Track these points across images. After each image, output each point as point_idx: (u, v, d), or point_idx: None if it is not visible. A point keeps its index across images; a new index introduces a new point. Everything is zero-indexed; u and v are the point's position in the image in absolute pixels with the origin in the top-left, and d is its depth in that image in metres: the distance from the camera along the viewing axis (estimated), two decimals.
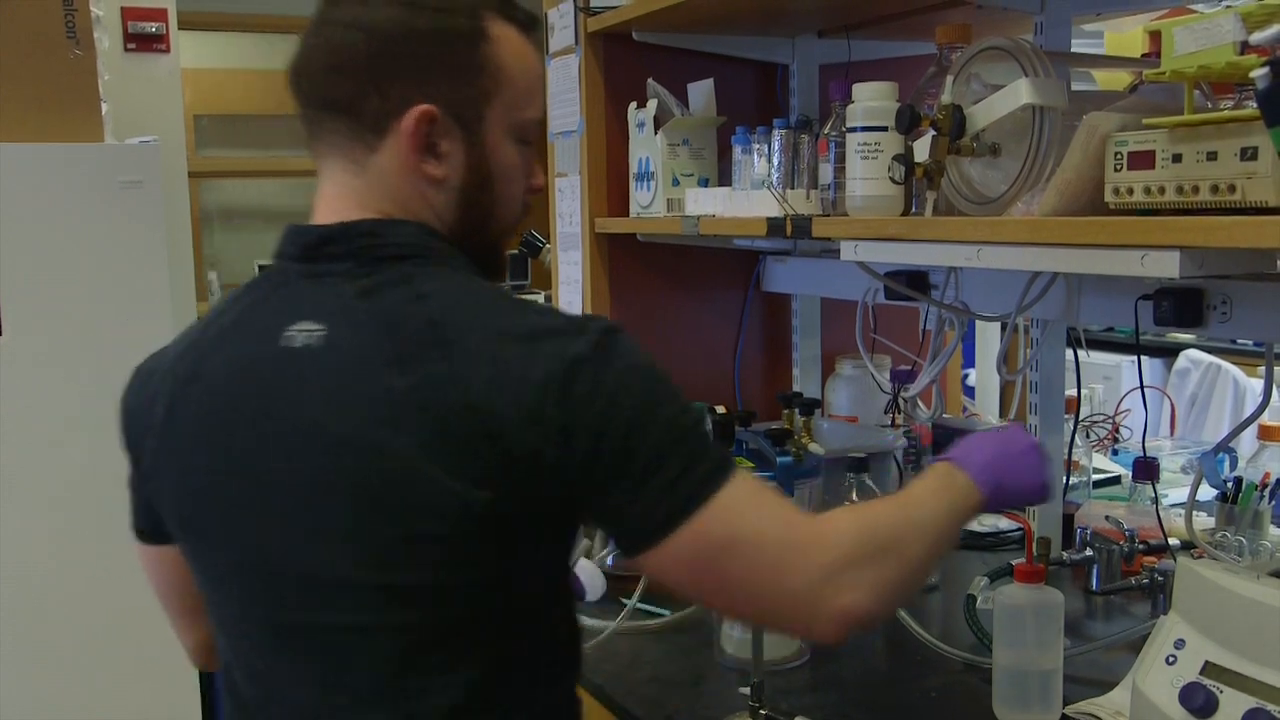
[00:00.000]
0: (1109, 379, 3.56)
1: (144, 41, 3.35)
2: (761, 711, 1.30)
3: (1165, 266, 1.11)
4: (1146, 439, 1.78)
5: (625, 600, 1.72)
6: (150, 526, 1.16)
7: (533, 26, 1.10)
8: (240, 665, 1.08)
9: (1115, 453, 2.32)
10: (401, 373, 0.94)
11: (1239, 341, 4.39)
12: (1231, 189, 1.07)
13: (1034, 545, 1.39)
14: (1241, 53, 1.03)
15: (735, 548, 0.96)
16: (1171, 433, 2.76)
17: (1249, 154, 1.06)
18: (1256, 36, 0.96)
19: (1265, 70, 0.94)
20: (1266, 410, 1.60)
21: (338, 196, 1.06)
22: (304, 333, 0.99)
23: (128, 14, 3.32)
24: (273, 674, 1.05)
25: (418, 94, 1.02)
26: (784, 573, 0.96)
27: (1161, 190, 1.14)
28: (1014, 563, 1.36)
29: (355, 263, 1.02)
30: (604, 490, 0.95)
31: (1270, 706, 1.03)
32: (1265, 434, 1.81)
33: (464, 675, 0.99)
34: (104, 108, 2.60)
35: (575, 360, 0.94)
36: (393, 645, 0.98)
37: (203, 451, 1.04)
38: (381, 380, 0.94)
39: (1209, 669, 1.10)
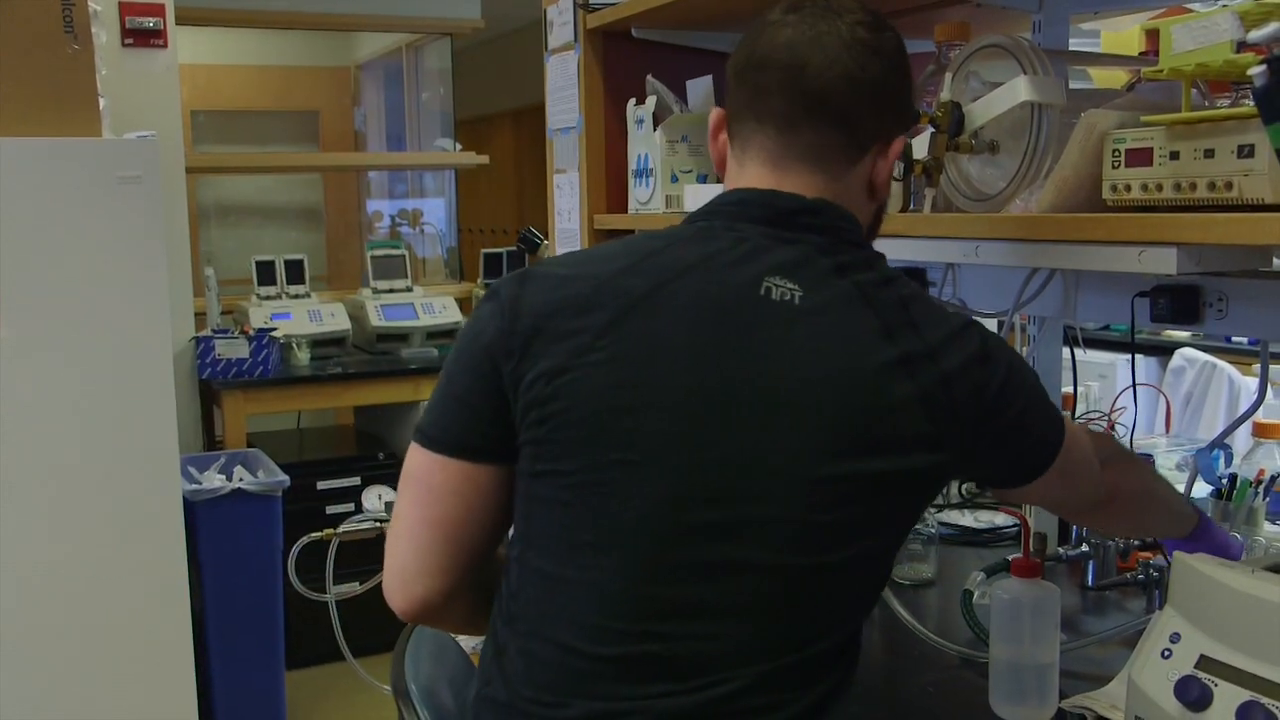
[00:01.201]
0: (1104, 377, 3.57)
1: (141, 37, 3.35)
2: None
3: (1163, 263, 1.12)
4: (1143, 436, 1.78)
5: None
6: (483, 442, 1.12)
7: None
8: (617, 596, 1.07)
9: None
10: (890, 344, 1.06)
11: (1234, 340, 4.41)
12: (1229, 186, 1.08)
13: (1030, 540, 1.39)
14: (1238, 51, 1.04)
15: (1077, 473, 1.22)
16: (1167, 430, 2.77)
17: (1246, 151, 1.07)
18: (1254, 35, 0.97)
19: (1263, 68, 0.95)
20: (1261, 407, 1.61)
21: (804, 186, 1.13)
22: (779, 287, 1.08)
23: (125, 9, 3.33)
24: (674, 605, 1.07)
25: (899, 126, 1.16)
26: (1093, 472, 1.26)
27: (1159, 187, 1.15)
28: (1011, 558, 1.36)
29: (827, 238, 1.11)
30: (1010, 448, 1.15)
31: (1265, 700, 1.04)
32: (1260, 431, 1.81)
33: (852, 614, 1.16)
34: (102, 103, 2.60)
35: (982, 346, 1.10)
36: (820, 583, 1.09)
37: (659, 369, 1.07)
38: (874, 345, 1.06)
39: (1204, 663, 1.10)
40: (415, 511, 1.15)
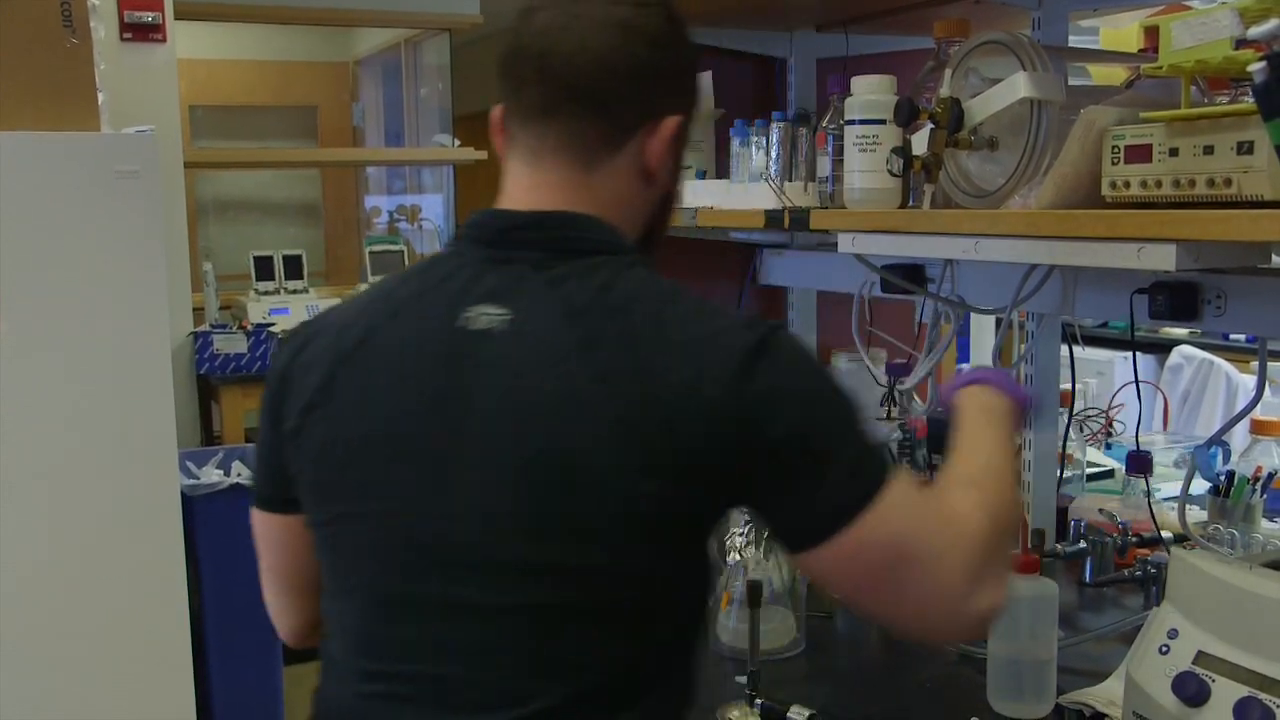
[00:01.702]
0: (1102, 374, 3.57)
1: (140, 31, 3.34)
2: (758, 701, 1.31)
3: (1162, 259, 1.12)
4: (1141, 433, 1.78)
5: None
6: (277, 494, 1.14)
7: None
8: (362, 638, 1.07)
9: (1109, 447, 2.33)
10: (587, 360, 0.96)
11: (1231, 337, 4.41)
12: (1228, 183, 1.08)
13: (1029, 536, 1.40)
14: (1238, 47, 1.04)
15: (898, 549, 0.97)
16: (1165, 428, 2.77)
17: (1245, 148, 1.07)
18: (1253, 31, 0.97)
19: (1262, 64, 0.95)
20: (1259, 405, 1.61)
21: (552, 185, 1.06)
22: (486, 315, 1.00)
23: (124, 3, 3.32)
24: (408, 646, 1.04)
25: (671, 105, 1.07)
26: (940, 575, 0.97)
27: (1158, 184, 1.15)
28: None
29: (546, 252, 1.03)
30: (774, 485, 0.96)
31: (1262, 695, 1.04)
32: (1258, 428, 1.82)
33: (607, 654, 1.00)
34: (100, 97, 2.60)
35: (750, 354, 0.95)
36: (542, 624, 0.99)
37: (364, 420, 1.05)
38: (568, 366, 0.96)
39: (1201, 658, 1.11)
40: (260, 560, 1.22)
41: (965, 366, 2.90)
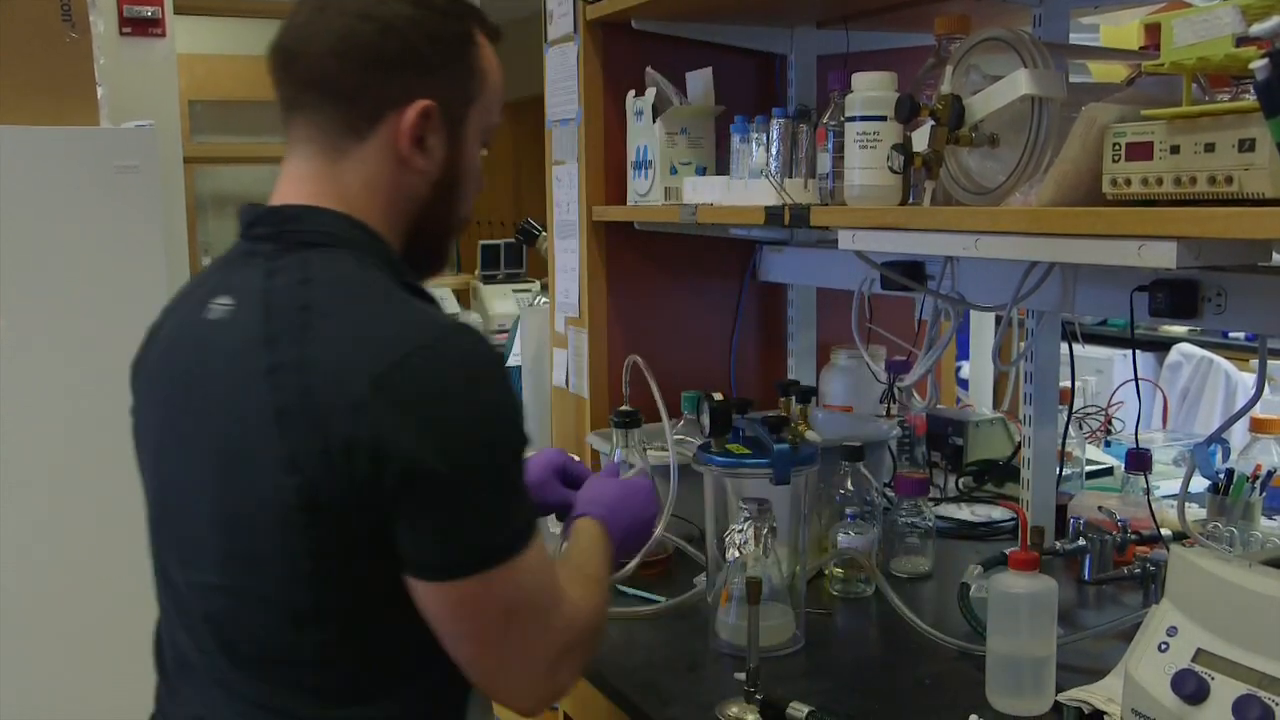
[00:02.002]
0: (1100, 372, 3.58)
1: (139, 26, 3.34)
2: (757, 697, 1.31)
3: (1162, 257, 1.12)
4: (1141, 431, 1.78)
5: (620, 587, 1.73)
6: None
7: (499, 38, 1.16)
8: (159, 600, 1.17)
9: (1108, 444, 2.33)
10: (268, 352, 0.99)
11: (1231, 335, 4.41)
12: (1229, 180, 1.08)
13: (1028, 534, 1.40)
14: (1239, 45, 1.04)
15: (514, 609, 1.01)
16: (1164, 425, 2.77)
17: (1246, 145, 1.06)
18: (1255, 28, 0.97)
19: (1265, 61, 0.95)
20: (1259, 403, 1.61)
21: (300, 179, 1.10)
22: (220, 306, 1.05)
23: None
24: (166, 616, 1.15)
25: (420, 89, 1.07)
26: (537, 645, 1.04)
27: (1159, 181, 1.15)
28: (1008, 551, 1.36)
29: (277, 245, 1.06)
30: (407, 507, 0.96)
31: (1262, 693, 1.04)
32: (1257, 426, 1.82)
33: (300, 645, 1.03)
34: (99, 92, 2.60)
35: (395, 367, 0.95)
36: (232, 606, 1.04)
37: (142, 404, 1.16)
38: (252, 357, 0.99)
39: (1201, 656, 1.10)
40: None
41: (965, 364, 2.91)
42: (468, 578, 0.98)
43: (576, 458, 1.48)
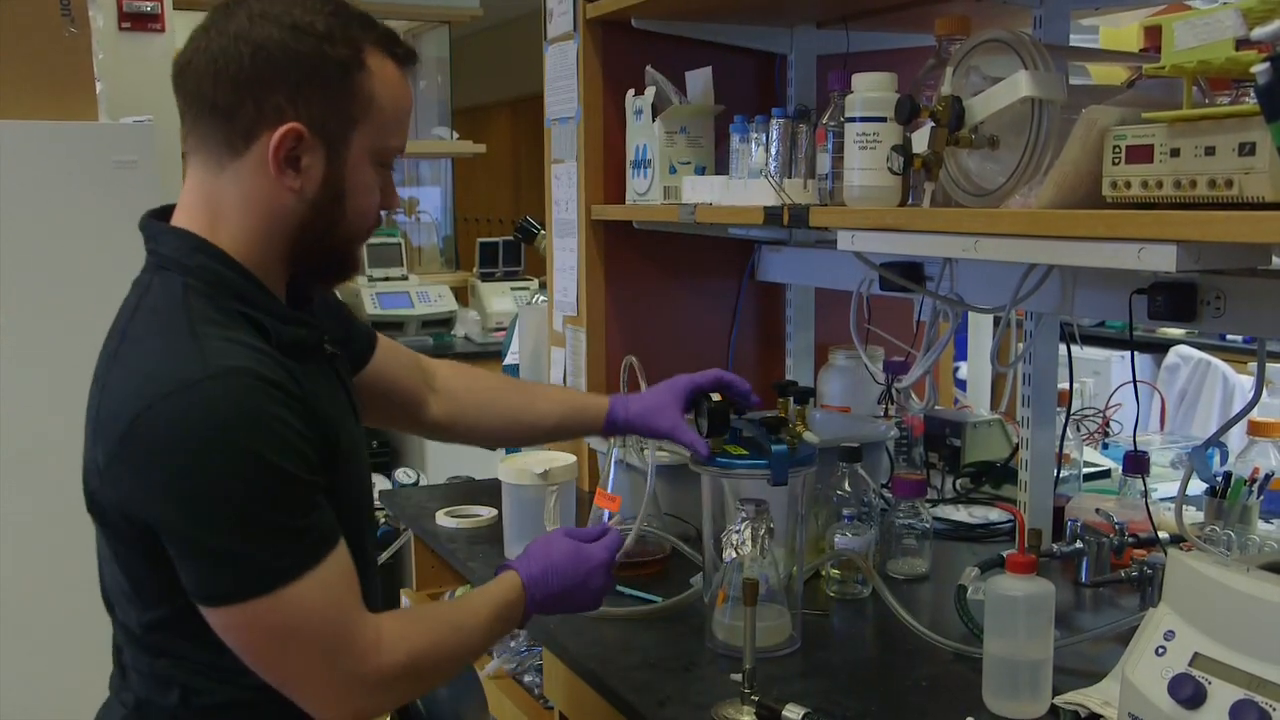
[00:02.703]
0: (1098, 374, 3.58)
1: (139, 21, 3.33)
2: (753, 698, 1.30)
3: (1162, 260, 1.12)
4: (1137, 434, 1.78)
5: (617, 587, 1.73)
6: None
7: (410, 61, 1.22)
8: None
9: (1105, 447, 2.33)
10: (101, 368, 1.14)
11: (1228, 338, 4.41)
12: (1229, 184, 1.07)
13: (1026, 536, 1.39)
14: (1239, 48, 1.04)
15: (284, 638, 1.08)
16: (1161, 428, 2.77)
17: (1247, 149, 1.06)
18: (1257, 32, 0.97)
19: (1266, 65, 0.95)
20: (1257, 406, 1.61)
21: (187, 189, 1.18)
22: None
23: None
24: None
25: (289, 111, 1.11)
26: (314, 670, 1.10)
27: (1159, 184, 1.14)
28: (1006, 554, 1.36)
29: (147, 262, 1.18)
30: (162, 539, 1.07)
31: (1259, 698, 1.04)
32: (1255, 430, 1.82)
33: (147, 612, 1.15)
34: (98, 87, 2.59)
35: (132, 422, 1.05)
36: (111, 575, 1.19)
37: None
38: (97, 371, 1.14)
39: (1198, 660, 1.10)
40: None
41: (963, 365, 2.90)
42: (227, 606, 1.07)
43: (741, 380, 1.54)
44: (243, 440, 1.04)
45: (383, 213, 1.23)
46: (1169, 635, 1.14)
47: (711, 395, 1.57)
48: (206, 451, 1.03)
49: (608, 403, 1.60)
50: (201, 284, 1.12)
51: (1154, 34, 1.15)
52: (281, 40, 1.10)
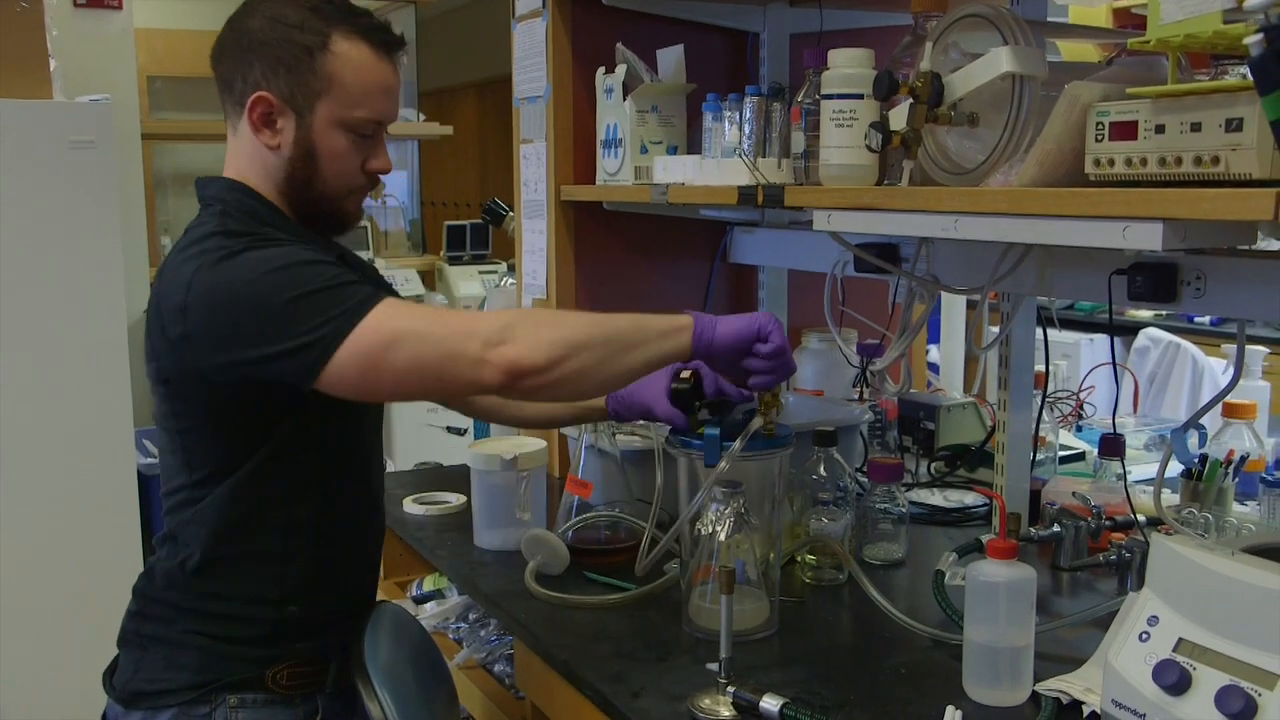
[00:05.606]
0: (1068, 357, 3.57)
1: None
2: (729, 689, 1.28)
3: (1148, 239, 1.10)
4: (1115, 416, 1.77)
5: (588, 575, 1.70)
6: None
7: (387, 47, 1.44)
8: None
9: (1079, 429, 2.32)
10: (154, 288, 1.41)
11: (1197, 320, 4.43)
12: (1215, 161, 1.05)
13: (1006, 521, 1.37)
14: (1227, 21, 1.01)
15: (397, 341, 1.27)
16: (1134, 410, 2.77)
17: (1234, 125, 1.04)
18: (1250, 3, 0.94)
19: (1259, 37, 0.92)
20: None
21: (226, 152, 1.47)
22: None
23: None
24: None
25: (264, 84, 1.41)
26: (449, 344, 1.28)
27: (1144, 161, 1.12)
28: (985, 538, 1.34)
29: (201, 206, 1.46)
30: (248, 356, 1.28)
31: (1244, 683, 1.02)
32: (1230, 412, 1.81)
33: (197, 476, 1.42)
34: (52, 64, 2.52)
35: (204, 262, 1.31)
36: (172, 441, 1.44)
37: None
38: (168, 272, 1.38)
39: (1182, 646, 1.09)
40: None
41: (934, 348, 2.89)
42: (333, 359, 1.26)
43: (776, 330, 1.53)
44: (278, 258, 1.31)
45: (381, 177, 1.49)
46: (1152, 620, 1.13)
47: (682, 374, 1.55)
48: (253, 279, 1.29)
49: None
50: (236, 210, 1.41)
51: (1123, 16, 1.13)
52: (260, 29, 1.40)
